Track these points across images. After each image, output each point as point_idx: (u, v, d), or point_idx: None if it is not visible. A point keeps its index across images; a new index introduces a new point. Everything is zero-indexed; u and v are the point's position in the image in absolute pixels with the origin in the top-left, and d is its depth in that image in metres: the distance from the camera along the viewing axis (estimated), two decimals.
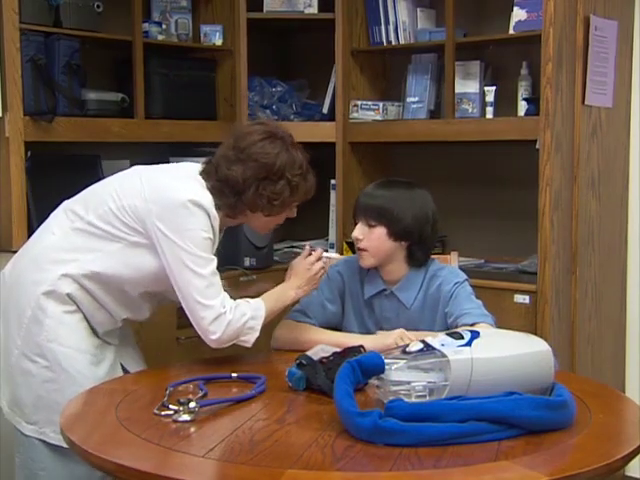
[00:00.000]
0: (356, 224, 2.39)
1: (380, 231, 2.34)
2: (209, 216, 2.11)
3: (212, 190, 2.16)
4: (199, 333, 2.15)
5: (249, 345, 2.19)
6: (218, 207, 2.16)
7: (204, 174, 2.19)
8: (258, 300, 2.22)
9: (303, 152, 2.23)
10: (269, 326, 2.33)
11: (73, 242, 2.18)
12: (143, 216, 2.12)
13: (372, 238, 2.35)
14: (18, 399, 2.19)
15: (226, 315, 2.11)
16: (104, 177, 3.24)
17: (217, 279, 2.14)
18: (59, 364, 2.14)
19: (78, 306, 2.19)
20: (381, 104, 3.74)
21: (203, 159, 2.27)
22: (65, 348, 2.15)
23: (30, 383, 2.16)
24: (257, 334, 2.18)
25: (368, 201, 2.38)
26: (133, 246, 2.15)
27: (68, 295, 2.16)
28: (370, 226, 2.35)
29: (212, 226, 2.13)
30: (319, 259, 2.31)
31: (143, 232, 2.13)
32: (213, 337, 2.12)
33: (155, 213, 2.10)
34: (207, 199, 2.12)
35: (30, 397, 2.16)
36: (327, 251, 2.38)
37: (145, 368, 2.38)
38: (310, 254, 2.32)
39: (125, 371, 2.32)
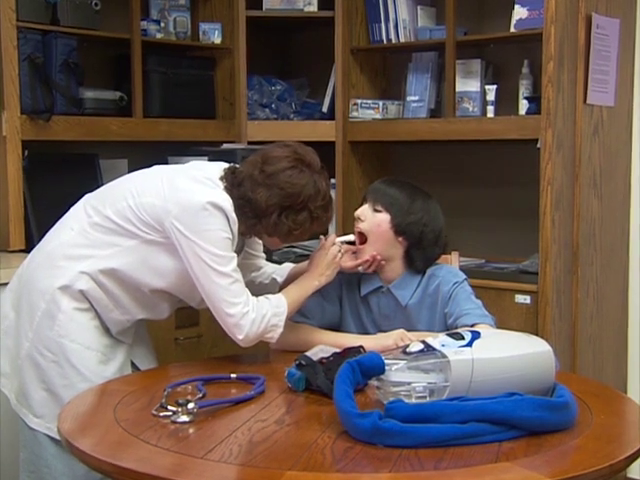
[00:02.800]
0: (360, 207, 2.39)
1: (383, 217, 2.33)
2: (228, 219, 2.11)
3: (233, 206, 2.16)
4: (226, 331, 2.15)
5: (274, 341, 2.21)
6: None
7: (227, 185, 2.18)
8: (279, 296, 2.23)
9: (327, 179, 2.23)
10: None
11: (90, 237, 2.19)
12: (161, 216, 2.12)
13: (373, 223, 2.34)
14: (26, 392, 2.20)
15: (250, 313, 2.13)
16: (102, 176, 3.30)
17: (239, 276, 2.15)
18: (68, 360, 2.16)
19: (92, 304, 2.20)
20: (381, 103, 3.74)
21: (220, 162, 2.26)
22: (75, 345, 2.17)
23: (39, 377, 2.18)
24: (281, 330, 2.20)
25: (383, 187, 2.38)
26: (148, 244, 2.16)
27: (82, 292, 2.17)
28: (375, 210, 2.35)
29: (231, 229, 2.13)
30: (333, 244, 2.33)
31: (160, 230, 2.14)
32: (240, 336, 2.14)
33: (174, 214, 2.10)
34: (227, 203, 2.12)
35: (38, 391, 2.18)
36: (340, 236, 2.40)
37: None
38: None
39: (137, 370, 2.33)
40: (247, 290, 2.16)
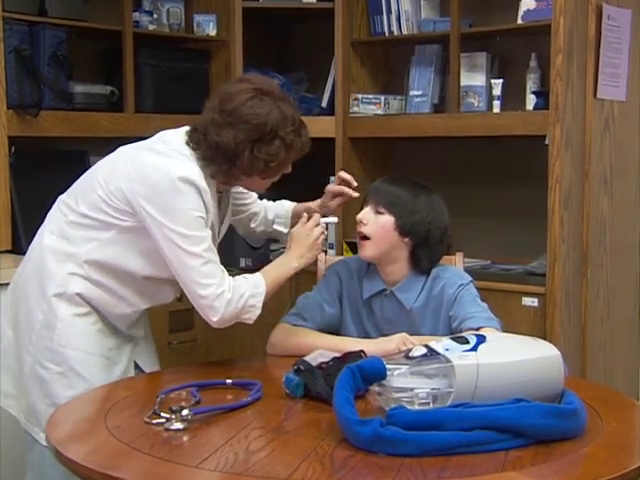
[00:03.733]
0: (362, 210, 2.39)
1: (387, 219, 2.33)
2: (199, 191, 2.10)
3: (203, 159, 2.15)
4: (200, 314, 2.16)
5: (251, 322, 2.20)
6: (212, 176, 2.16)
7: (192, 143, 2.17)
8: (257, 276, 2.23)
9: (292, 104, 2.22)
10: (267, 330, 2.33)
11: (69, 237, 2.19)
12: (129, 197, 2.12)
13: (377, 225, 2.34)
14: (34, 408, 2.19)
15: (224, 294, 2.12)
16: None
17: (213, 256, 2.14)
18: (72, 369, 2.16)
19: (93, 306, 2.20)
20: (383, 98, 3.74)
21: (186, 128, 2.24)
22: (78, 352, 2.17)
23: (43, 392, 2.17)
24: (259, 311, 2.19)
25: (384, 188, 2.38)
26: (127, 231, 2.16)
27: (79, 295, 2.17)
28: (378, 213, 2.35)
29: (203, 201, 2.12)
30: (318, 224, 2.33)
31: (134, 214, 2.13)
32: (214, 318, 2.13)
33: (141, 194, 2.10)
34: (195, 172, 2.11)
35: (45, 406, 2.15)
36: (325, 217, 2.40)
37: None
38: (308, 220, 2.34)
39: (140, 370, 2.34)
40: (223, 270, 2.15)
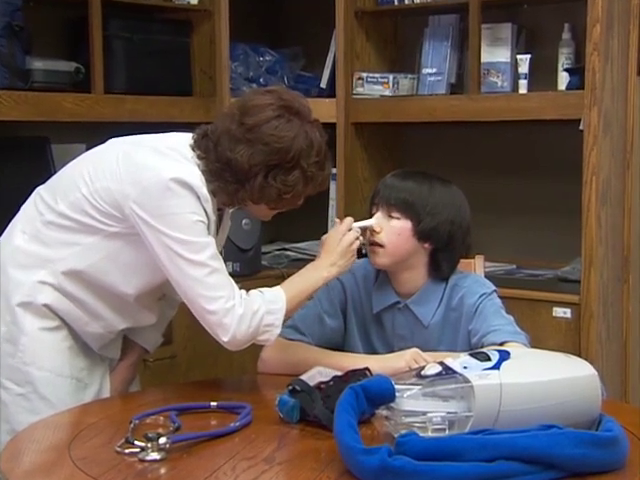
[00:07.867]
0: (371, 214, 2.39)
1: (403, 225, 2.34)
2: (198, 197, 2.10)
3: (209, 172, 2.15)
4: (210, 332, 2.15)
5: (270, 344, 2.22)
6: (213, 193, 2.16)
7: (199, 150, 2.17)
8: (275, 290, 2.22)
9: (321, 130, 2.21)
10: (257, 344, 2.34)
11: (45, 239, 2.19)
12: (120, 201, 2.12)
13: (392, 232, 2.34)
14: None
15: (235, 309, 2.12)
16: (54, 164, 3.29)
17: (219, 265, 2.14)
18: (36, 391, 2.16)
19: (63, 320, 2.20)
20: (391, 77, 3.75)
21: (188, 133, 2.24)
22: (45, 372, 2.17)
23: (3, 415, 2.17)
24: (278, 330, 2.19)
25: (395, 185, 2.38)
26: (112, 238, 2.16)
27: (47, 307, 2.17)
28: (392, 218, 2.35)
29: (204, 208, 2.12)
30: (350, 229, 2.32)
31: (122, 219, 2.13)
32: (225, 338, 2.13)
33: (133, 197, 2.10)
34: (195, 177, 2.11)
35: (4, 433, 2.16)
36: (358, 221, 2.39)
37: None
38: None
39: None
40: (232, 282, 2.16)
